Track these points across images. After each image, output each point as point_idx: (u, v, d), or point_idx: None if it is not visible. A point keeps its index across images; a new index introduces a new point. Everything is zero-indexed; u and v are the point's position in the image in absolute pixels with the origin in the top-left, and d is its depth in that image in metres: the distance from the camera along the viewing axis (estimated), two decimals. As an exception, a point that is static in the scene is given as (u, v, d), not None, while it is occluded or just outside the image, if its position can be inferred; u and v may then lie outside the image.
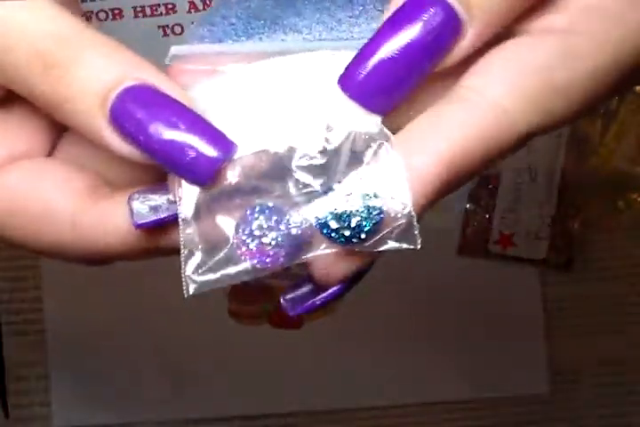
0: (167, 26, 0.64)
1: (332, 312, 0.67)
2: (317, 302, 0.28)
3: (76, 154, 0.30)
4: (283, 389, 0.67)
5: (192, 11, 0.64)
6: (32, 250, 0.29)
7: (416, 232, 0.26)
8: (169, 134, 0.26)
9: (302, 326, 0.67)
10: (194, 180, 0.26)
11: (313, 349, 0.67)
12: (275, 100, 0.27)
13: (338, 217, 0.26)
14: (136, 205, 0.27)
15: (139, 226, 0.27)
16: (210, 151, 0.26)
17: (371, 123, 0.27)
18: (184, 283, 0.27)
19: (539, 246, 0.66)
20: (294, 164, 0.26)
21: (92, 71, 0.26)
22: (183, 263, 0.27)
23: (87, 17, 0.66)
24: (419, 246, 0.26)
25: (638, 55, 0.27)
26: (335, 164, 0.26)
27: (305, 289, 0.28)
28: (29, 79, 0.26)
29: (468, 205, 0.67)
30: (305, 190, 0.26)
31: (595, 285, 0.68)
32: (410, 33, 0.26)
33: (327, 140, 0.27)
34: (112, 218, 0.28)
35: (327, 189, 0.26)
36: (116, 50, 0.27)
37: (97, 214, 0.28)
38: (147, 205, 0.27)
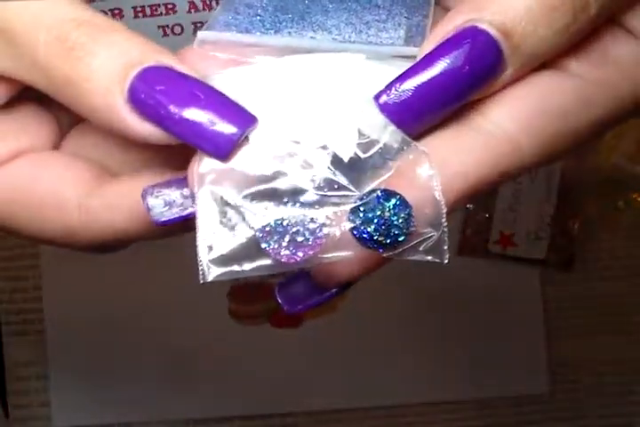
0: (167, 26, 0.64)
1: (332, 312, 0.67)
2: (318, 301, 0.28)
3: (81, 148, 0.31)
4: (283, 389, 0.67)
5: (192, 11, 0.64)
6: (42, 240, 0.30)
7: (445, 247, 0.27)
8: (189, 109, 0.26)
9: (302, 326, 0.67)
10: (215, 152, 0.26)
11: (313, 349, 0.67)
12: (304, 97, 0.27)
13: (379, 225, 0.26)
14: (151, 200, 0.27)
15: (162, 224, 0.27)
16: (230, 124, 0.26)
17: (401, 135, 0.27)
18: (200, 269, 0.27)
19: (539, 246, 0.66)
20: (327, 163, 0.27)
21: (112, 52, 0.27)
22: (200, 249, 0.27)
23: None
24: (445, 261, 0.27)
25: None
26: (369, 171, 0.27)
27: (301, 285, 0.28)
28: (50, 62, 0.27)
29: (468, 205, 0.67)
30: (339, 192, 0.27)
31: (595, 285, 0.68)
32: (454, 63, 0.26)
33: (360, 146, 0.27)
34: (119, 198, 0.28)
35: (364, 196, 0.26)
36: (133, 35, 0.27)
37: (104, 196, 0.28)
38: (162, 200, 0.27)
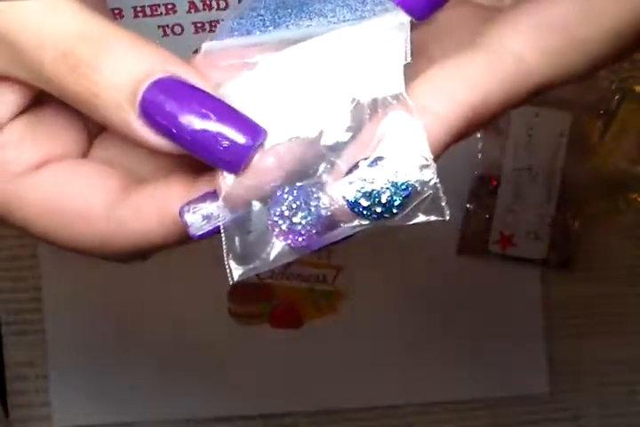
0: (167, 26, 0.64)
1: (333, 312, 0.67)
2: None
3: (109, 154, 0.31)
4: (282, 389, 0.67)
5: (192, 11, 0.64)
6: (71, 249, 0.30)
7: (443, 204, 0.27)
8: (200, 124, 0.26)
9: (302, 326, 0.67)
10: (227, 167, 0.26)
11: (313, 349, 0.67)
12: (303, 86, 0.28)
13: (368, 195, 0.26)
14: (189, 217, 0.27)
15: (199, 237, 0.27)
16: (240, 138, 0.26)
17: (394, 88, 0.27)
18: (227, 271, 0.27)
19: (539, 246, 0.66)
20: (323, 144, 0.27)
21: (118, 66, 0.26)
22: (225, 253, 0.27)
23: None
24: (447, 217, 0.27)
25: None
26: (359, 141, 0.27)
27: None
28: (58, 78, 0.27)
29: (468, 205, 0.67)
30: (333, 169, 0.27)
31: (595, 285, 0.68)
32: None
33: (352, 115, 0.27)
34: (147, 207, 0.28)
35: (353, 167, 0.26)
36: (142, 44, 0.27)
37: (132, 205, 0.28)
38: (199, 215, 0.27)
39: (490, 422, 0.68)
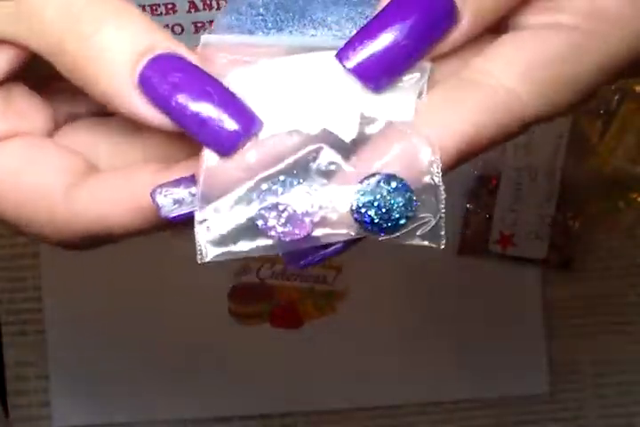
0: (167, 26, 0.64)
1: (332, 312, 0.67)
2: (322, 256, 0.28)
3: (73, 144, 0.30)
4: (283, 389, 0.67)
5: (192, 11, 0.64)
6: (27, 231, 0.29)
7: (442, 233, 0.27)
8: (199, 104, 0.26)
9: (302, 326, 0.67)
10: (217, 149, 0.27)
11: (313, 349, 0.67)
12: (307, 90, 0.28)
13: (378, 209, 0.26)
14: (160, 199, 0.27)
15: (171, 219, 0.27)
16: (234, 125, 0.26)
17: (403, 112, 0.27)
18: (198, 250, 0.27)
19: (539, 246, 0.66)
20: (327, 144, 0.27)
21: (125, 34, 0.26)
22: (198, 229, 0.27)
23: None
24: (442, 246, 0.27)
25: (636, 54, 0.29)
26: (370, 153, 0.27)
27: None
28: (58, 32, 0.26)
29: (468, 205, 0.67)
30: (336, 172, 0.27)
31: (595, 285, 0.68)
32: (407, 17, 0.27)
33: (362, 128, 0.27)
34: (109, 191, 0.28)
35: (366, 178, 0.26)
36: (148, 20, 0.27)
37: (93, 188, 0.28)
38: (170, 199, 0.27)
39: (490, 422, 0.68)
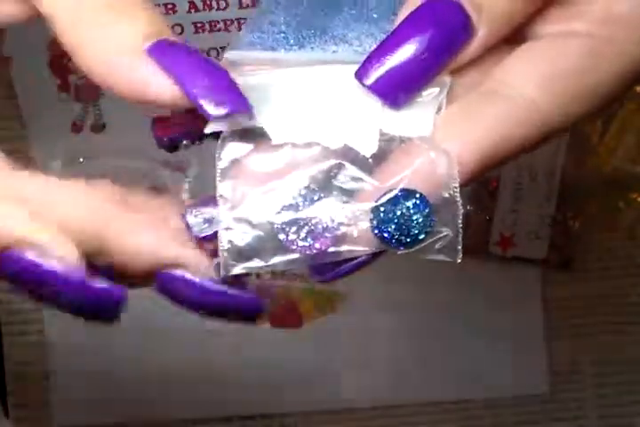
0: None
1: (333, 312, 0.67)
2: (350, 268, 0.28)
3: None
4: (283, 389, 0.67)
5: (192, 11, 0.64)
6: None
7: (459, 247, 0.27)
8: (203, 75, 0.27)
9: (302, 326, 0.67)
10: (208, 110, 0.27)
11: (313, 349, 0.67)
12: (326, 103, 0.28)
13: (399, 225, 0.27)
14: (191, 219, 0.28)
15: (202, 239, 0.28)
16: (229, 98, 0.27)
17: (422, 128, 0.28)
18: (221, 264, 0.28)
19: (539, 246, 0.66)
20: (348, 160, 0.27)
21: (133, 18, 0.27)
22: (221, 243, 0.28)
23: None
24: (458, 261, 0.27)
25: None
26: (389, 167, 0.27)
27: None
28: (74, 14, 0.27)
29: (468, 207, 0.67)
30: (356, 187, 0.27)
31: (595, 285, 0.68)
32: (424, 32, 0.27)
33: (381, 143, 0.28)
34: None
35: (385, 194, 0.27)
36: (157, 15, 0.28)
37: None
38: (201, 218, 0.28)
39: (490, 422, 0.68)
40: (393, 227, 0.27)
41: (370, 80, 0.27)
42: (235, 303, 0.27)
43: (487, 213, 0.66)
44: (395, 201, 0.27)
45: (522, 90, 0.28)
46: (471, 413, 0.68)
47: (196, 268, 0.28)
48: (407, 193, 0.27)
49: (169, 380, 0.67)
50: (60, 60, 0.66)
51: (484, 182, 0.67)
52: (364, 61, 0.27)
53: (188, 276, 0.28)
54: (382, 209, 0.27)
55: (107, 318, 0.27)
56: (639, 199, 0.67)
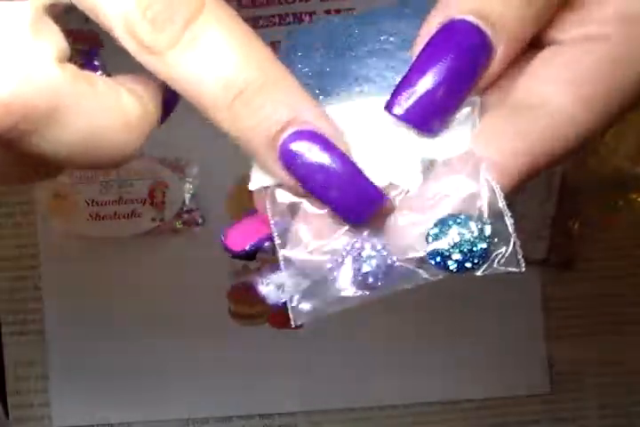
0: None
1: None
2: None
3: None
4: (283, 389, 0.67)
5: (192, 11, 0.64)
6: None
7: (520, 257, 0.28)
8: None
9: (302, 327, 0.67)
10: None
11: (313, 349, 0.67)
12: (364, 141, 0.28)
13: (460, 248, 0.27)
14: (264, 289, 0.29)
15: (281, 306, 0.29)
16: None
17: (460, 148, 0.28)
18: (291, 313, 0.29)
19: (539, 246, 0.66)
20: (396, 198, 0.28)
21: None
22: (289, 300, 0.29)
23: (87, 17, 0.66)
24: (523, 269, 0.28)
25: None
26: (436, 194, 0.28)
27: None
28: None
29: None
30: (410, 221, 0.27)
31: (595, 285, 0.68)
32: (445, 56, 0.28)
33: (424, 172, 0.28)
34: None
35: (438, 223, 0.27)
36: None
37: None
38: (272, 286, 0.29)
39: (490, 422, 0.68)
40: (457, 253, 0.27)
41: (401, 110, 0.27)
42: (359, 187, 0.27)
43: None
44: (448, 229, 0.27)
45: (554, 101, 0.28)
46: (471, 413, 0.68)
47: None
48: (463, 219, 0.27)
49: (169, 380, 0.67)
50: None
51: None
52: (393, 94, 0.28)
53: (324, 133, 0.27)
54: (435, 237, 0.27)
55: (357, 218, 0.28)
56: (639, 199, 0.67)
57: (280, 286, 0.28)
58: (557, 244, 0.67)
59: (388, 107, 0.27)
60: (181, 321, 0.67)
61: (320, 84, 0.30)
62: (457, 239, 0.27)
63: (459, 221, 0.27)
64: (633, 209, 0.67)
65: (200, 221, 0.66)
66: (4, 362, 0.67)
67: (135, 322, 0.67)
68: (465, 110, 0.28)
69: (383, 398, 0.68)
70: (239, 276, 0.67)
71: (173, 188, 0.65)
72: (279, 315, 0.67)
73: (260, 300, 0.29)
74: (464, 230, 0.27)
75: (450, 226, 0.27)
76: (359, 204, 0.27)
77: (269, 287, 0.28)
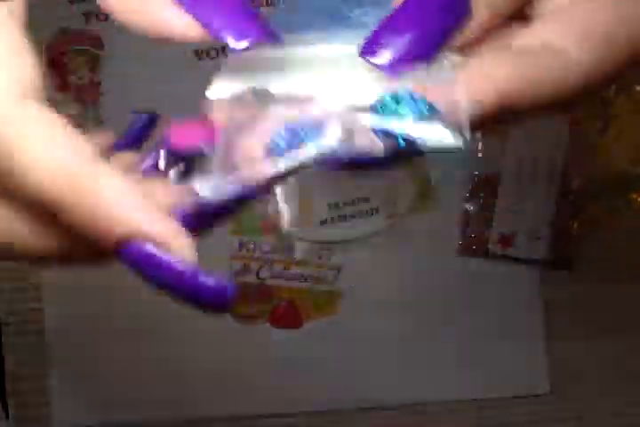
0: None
1: (333, 312, 0.67)
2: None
3: None
4: (283, 389, 0.67)
5: (192, 11, 0.64)
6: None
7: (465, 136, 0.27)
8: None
9: (302, 326, 0.67)
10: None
11: (313, 349, 0.67)
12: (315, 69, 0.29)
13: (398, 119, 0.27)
14: (197, 186, 0.28)
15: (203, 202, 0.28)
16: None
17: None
18: (198, 187, 0.28)
19: (539, 246, 0.66)
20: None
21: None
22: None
23: (87, 17, 0.66)
24: (462, 146, 0.27)
25: None
26: None
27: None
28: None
29: (467, 205, 0.67)
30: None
31: (595, 285, 0.68)
32: (424, 11, 0.28)
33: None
34: None
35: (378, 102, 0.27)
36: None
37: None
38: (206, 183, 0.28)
39: (490, 422, 0.68)
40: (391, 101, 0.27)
41: (373, 55, 0.28)
42: (202, 288, 0.27)
43: (487, 212, 0.66)
44: (394, 103, 0.27)
45: (555, 42, 0.28)
46: (471, 413, 0.68)
47: (171, 245, 0.27)
48: (413, 95, 0.27)
49: (169, 380, 0.67)
50: (59, 60, 0.66)
51: (484, 181, 0.67)
52: (369, 40, 0.28)
53: (159, 251, 0.28)
54: (384, 107, 0.27)
55: (217, 310, 0.27)
56: (639, 199, 0.67)
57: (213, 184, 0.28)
58: (557, 244, 0.67)
59: (363, 52, 0.28)
60: (181, 321, 0.67)
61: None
62: (407, 112, 0.27)
63: (416, 100, 0.27)
64: (633, 209, 0.67)
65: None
66: (4, 362, 0.67)
67: (135, 322, 0.67)
68: (442, 66, 0.28)
69: (383, 398, 0.68)
70: (239, 276, 0.67)
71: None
72: (279, 315, 0.67)
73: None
74: (415, 107, 0.27)
75: (392, 102, 0.27)
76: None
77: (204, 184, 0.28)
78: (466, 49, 0.29)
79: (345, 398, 0.67)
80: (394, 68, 0.28)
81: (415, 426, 0.68)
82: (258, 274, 0.67)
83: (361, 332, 0.67)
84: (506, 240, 0.66)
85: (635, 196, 0.67)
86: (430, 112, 0.27)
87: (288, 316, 0.67)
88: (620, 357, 0.68)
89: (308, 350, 0.67)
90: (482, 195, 0.67)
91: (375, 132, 0.27)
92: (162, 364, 0.67)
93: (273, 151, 0.27)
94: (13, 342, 0.67)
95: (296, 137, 0.27)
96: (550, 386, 0.68)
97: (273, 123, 0.27)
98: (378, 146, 0.27)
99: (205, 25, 0.27)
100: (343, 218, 0.66)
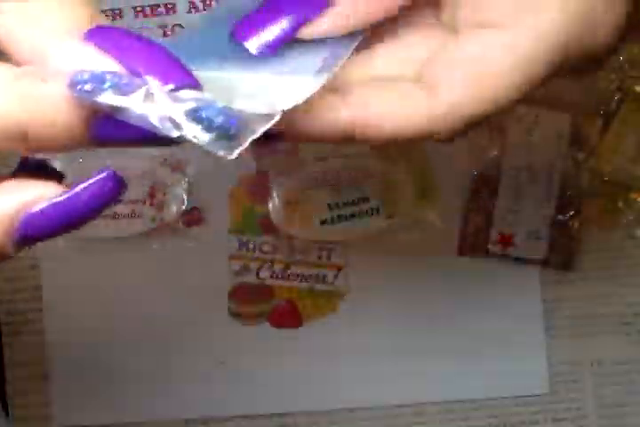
0: (167, 26, 0.64)
1: (333, 312, 0.67)
2: None
3: None
4: (283, 389, 0.67)
5: (192, 11, 0.64)
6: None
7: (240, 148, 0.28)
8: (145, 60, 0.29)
9: (302, 326, 0.67)
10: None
11: (313, 349, 0.67)
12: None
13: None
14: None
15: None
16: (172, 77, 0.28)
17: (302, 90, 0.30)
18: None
19: (539, 246, 0.66)
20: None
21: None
22: None
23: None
24: (233, 157, 0.28)
25: (562, 46, 0.31)
26: None
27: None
28: None
29: (468, 205, 0.67)
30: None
31: (595, 285, 0.68)
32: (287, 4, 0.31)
33: None
34: None
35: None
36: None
37: None
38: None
39: (490, 422, 0.68)
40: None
41: (243, 37, 0.30)
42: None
43: (487, 212, 0.66)
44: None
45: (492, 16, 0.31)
46: (471, 413, 0.68)
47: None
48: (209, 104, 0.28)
49: (169, 380, 0.67)
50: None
51: (483, 181, 0.67)
52: (240, 23, 0.30)
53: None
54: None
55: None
56: (639, 199, 0.67)
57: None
58: (557, 244, 0.67)
59: (235, 35, 0.30)
60: (181, 321, 0.67)
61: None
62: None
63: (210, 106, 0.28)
64: (633, 209, 0.67)
65: (200, 221, 0.66)
66: (4, 362, 0.67)
67: (135, 322, 0.67)
68: (315, 59, 0.31)
69: (383, 398, 0.68)
70: (239, 276, 0.67)
71: (173, 188, 0.65)
72: (279, 315, 0.67)
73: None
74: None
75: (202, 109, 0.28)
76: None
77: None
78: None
79: (345, 398, 0.67)
80: (260, 48, 0.30)
81: (415, 426, 0.68)
82: (258, 274, 0.67)
83: (361, 332, 0.67)
84: (506, 240, 0.66)
85: (635, 196, 0.67)
86: (226, 124, 0.28)
87: (288, 316, 0.67)
88: (619, 357, 0.68)
89: (308, 349, 0.67)
90: (482, 195, 0.67)
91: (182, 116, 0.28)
92: (161, 364, 0.67)
93: (73, 84, 0.28)
94: (13, 342, 0.67)
95: (100, 83, 0.27)
96: (550, 386, 0.68)
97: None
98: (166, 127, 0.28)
99: (132, 71, 0.28)
100: (343, 218, 0.66)
